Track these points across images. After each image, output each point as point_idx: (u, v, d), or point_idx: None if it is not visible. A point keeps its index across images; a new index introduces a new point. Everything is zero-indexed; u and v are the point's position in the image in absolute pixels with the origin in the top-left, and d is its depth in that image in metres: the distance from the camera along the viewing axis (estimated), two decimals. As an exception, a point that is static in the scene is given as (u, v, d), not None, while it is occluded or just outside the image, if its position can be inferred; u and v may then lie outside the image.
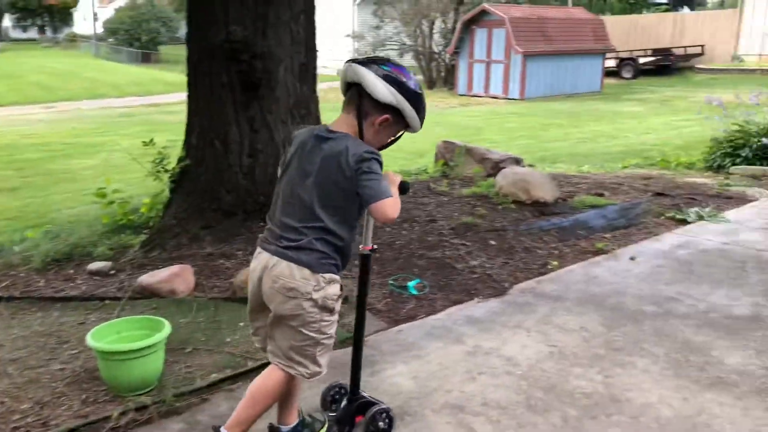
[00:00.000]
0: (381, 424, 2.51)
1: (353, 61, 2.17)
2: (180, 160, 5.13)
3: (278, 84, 5.00)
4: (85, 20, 54.72)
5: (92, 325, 3.31)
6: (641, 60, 26.12)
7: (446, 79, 25.39)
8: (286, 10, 4.99)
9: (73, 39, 50.95)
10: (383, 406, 2.55)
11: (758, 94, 8.80)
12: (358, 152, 2.08)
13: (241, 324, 3.56)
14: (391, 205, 2.10)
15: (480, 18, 22.27)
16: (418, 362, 3.15)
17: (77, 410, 2.73)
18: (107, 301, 3.80)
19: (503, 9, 22.20)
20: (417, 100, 2.18)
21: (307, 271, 2.12)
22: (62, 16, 60.95)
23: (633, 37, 29.01)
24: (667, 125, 14.38)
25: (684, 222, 5.59)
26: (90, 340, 2.83)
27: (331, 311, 2.20)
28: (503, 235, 5.08)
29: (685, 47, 26.38)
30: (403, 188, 2.30)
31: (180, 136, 5.14)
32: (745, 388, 2.92)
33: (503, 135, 13.79)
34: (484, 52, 22.40)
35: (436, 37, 25.99)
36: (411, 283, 4.13)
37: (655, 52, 26.52)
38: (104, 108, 19.42)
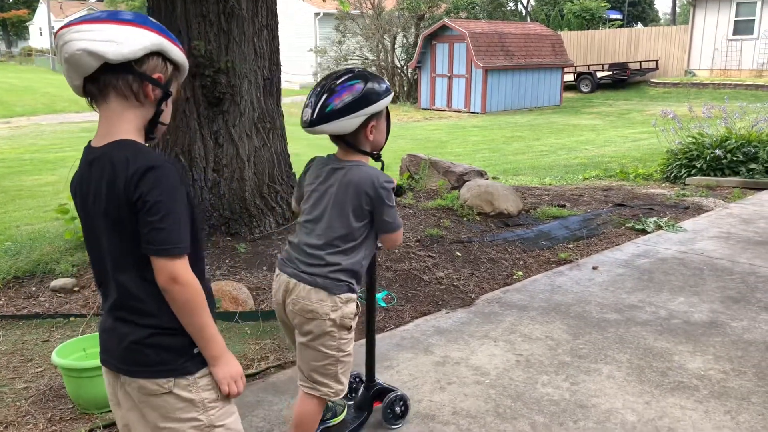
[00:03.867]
0: (398, 409, 2.75)
1: (306, 126, 2.21)
2: (144, 175, 5.08)
3: (243, 98, 5.01)
4: (42, 34, 53.73)
5: (57, 343, 3.27)
6: (598, 74, 26.69)
7: (409, 93, 25.59)
8: (249, 25, 5.01)
9: (29, 53, 49.95)
10: (399, 393, 2.76)
11: (710, 107, 9.09)
12: (378, 183, 2.19)
13: (209, 339, 3.53)
14: (400, 236, 2.33)
15: (441, 33, 22.52)
16: (388, 373, 3.17)
17: (43, 429, 2.68)
18: (72, 318, 3.74)
19: (463, 24, 22.49)
20: (373, 97, 2.18)
21: (323, 293, 2.20)
22: (17, 29, 59.73)
23: (590, 52, 29.67)
24: (625, 138, 14.71)
25: (643, 232, 5.74)
26: (55, 357, 2.78)
27: (348, 329, 2.27)
28: (469, 247, 5.14)
29: (640, 62, 27.04)
30: (398, 191, 2.39)
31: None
32: (705, 392, 3.01)
33: (466, 148, 13.94)
34: (445, 66, 22.64)
35: (398, 51, 26.19)
36: (379, 295, 4.15)
37: (612, 66, 27.13)
38: (63, 123, 19.04)
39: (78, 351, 2.91)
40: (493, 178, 7.98)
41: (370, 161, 2.32)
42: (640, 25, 44.69)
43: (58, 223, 5.63)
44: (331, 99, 2.14)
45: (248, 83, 5.03)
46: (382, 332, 3.70)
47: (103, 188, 1.53)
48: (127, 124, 1.58)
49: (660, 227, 5.84)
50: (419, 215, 5.87)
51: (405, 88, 25.94)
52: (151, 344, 1.57)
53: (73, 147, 14.39)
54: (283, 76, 5.69)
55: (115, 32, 1.50)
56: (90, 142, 1.63)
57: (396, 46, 26.02)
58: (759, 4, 23.25)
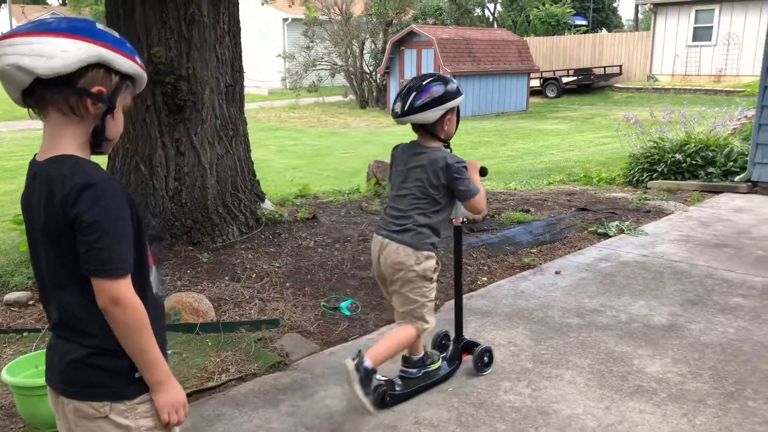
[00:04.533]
0: (485, 359, 3.27)
1: (397, 116, 2.82)
2: (103, 184, 4.98)
3: (204, 106, 4.96)
4: (2, 39, 52.49)
5: (9, 359, 3.18)
6: (564, 79, 27.04)
7: (378, 98, 25.62)
8: (210, 32, 4.96)
9: (-11, 58, 48.81)
10: (485, 346, 3.30)
11: (671, 112, 9.27)
12: (449, 162, 2.77)
13: (169, 351, 3.47)
14: (481, 199, 2.84)
15: (409, 39, 22.62)
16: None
17: (-8, 450, 2.60)
18: (26, 334, 3.64)
19: (431, 30, 22.61)
20: (450, 96, 2.75)
21: (409, 249, 2.79)
22: (-23, 34, 58.35)
23: (555, 57, 30.07)
24: (590, 142, 14.91)
25: (605, 236, 5.80)
26: (5, 375, 2.70)
27: (430, 280, 2.85)
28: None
29: (604, 67, 27.48)
30: (483, 172, 2.99)
31: (104, 159, 5.01)
32: (663, 395, 3.05)
33: (433, 153, 13.99)
34: (413, 72, 22.71)
35: (367, 57, 26.22)
36: (343, 304, 4.13)
37: (577, 71, 27.51)
38: (24, 130, 18.63)
39: (30, 368, 2.83)
40: (459, 183, 8.00)
41: None
42: (604, 31, 45.36)
43: (15, 233, 5.50)
44: (419, 96, 2.73)
45: (210, 90, 4.98)
46: (346, 342, 3.68)
47: (42, 205, 1.49)
48: (69, 139, 1.52)
49: (622, 231, 5.91)
50: (385, 222, 5.85)
51: (374, 94, 25.94)
52: (91, 365, 1.52)
53: (33, 155, 14.08)
54: (252, 82, 5.67)
55: (46, 46, 1.42)
56: (35, 155, 1.58)
57: (364, 51, 26.04)
58: (717, 11, 23.80)
